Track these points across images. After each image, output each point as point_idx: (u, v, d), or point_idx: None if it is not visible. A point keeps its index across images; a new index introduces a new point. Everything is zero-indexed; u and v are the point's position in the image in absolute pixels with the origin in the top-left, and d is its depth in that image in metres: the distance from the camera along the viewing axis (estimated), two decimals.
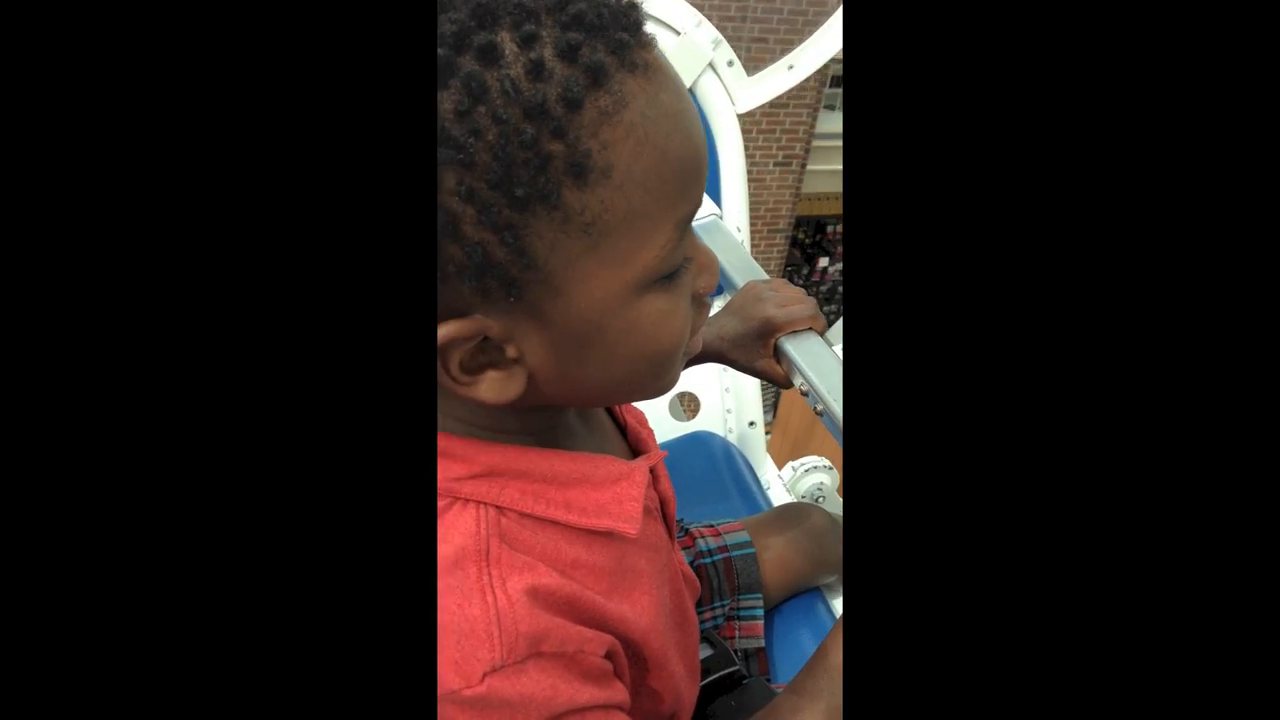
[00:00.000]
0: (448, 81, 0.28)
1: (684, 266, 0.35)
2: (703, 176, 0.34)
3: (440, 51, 0.27)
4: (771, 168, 4.38)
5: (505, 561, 0.35)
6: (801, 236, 5.55)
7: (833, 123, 4.39)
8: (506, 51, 0.28)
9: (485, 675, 0.33)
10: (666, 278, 0.33)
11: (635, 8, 0.31)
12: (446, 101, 0.28)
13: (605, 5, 0.30)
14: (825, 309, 5.81)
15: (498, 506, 0.36)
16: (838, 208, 5.28)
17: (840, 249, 5.60)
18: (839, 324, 0.60)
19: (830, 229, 5.52)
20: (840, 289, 5.80)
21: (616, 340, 0.34)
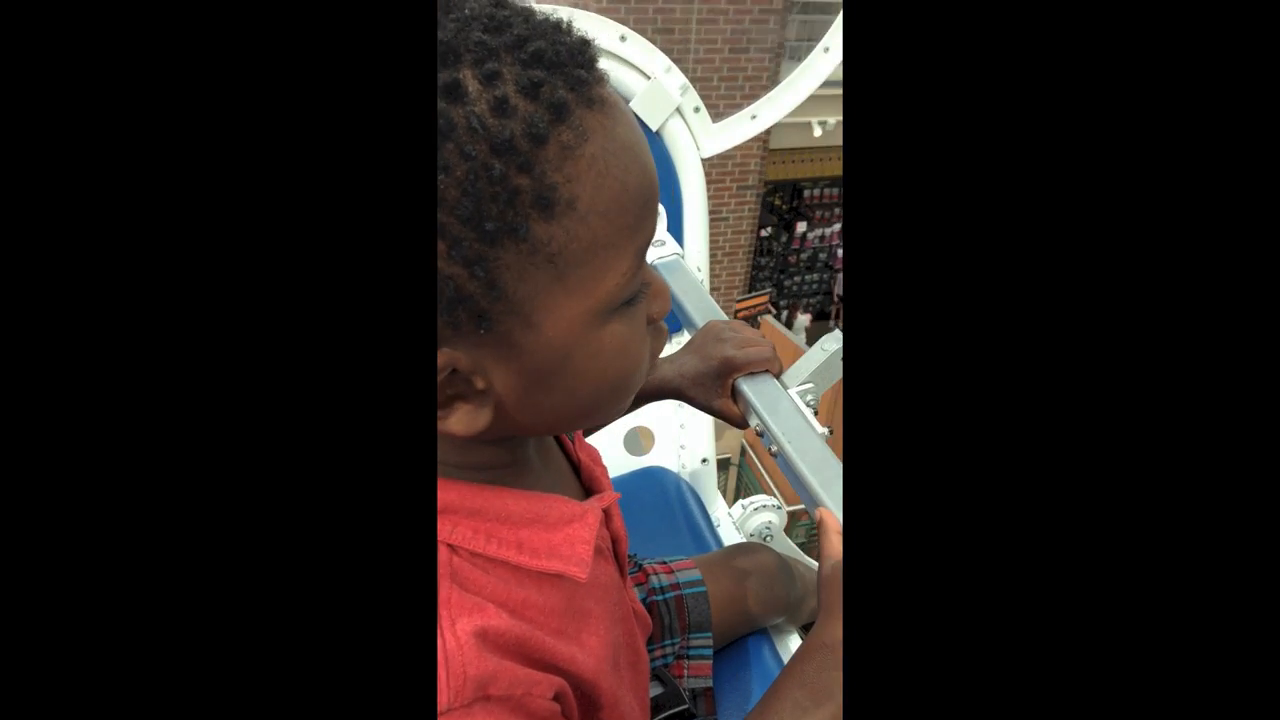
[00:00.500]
0: None
1: (641, 293, 0.36)
2: (656, 205, 0.35)
3: None
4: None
5: (455, 603, 0.35)
6: (778, 202, 5.38)
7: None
8: (470, 89, 0.29)
9: None
10: (626, 304, 0.35)
11: (589, 45, 0.32)
12: None
13: (562, 43, 0.31)
14: (806, 277, 5.55)
15: (450, 545, 0.36)
16: (811, 170, 5.12)
17: (818, 214, 5.41)
18: (794, 366, 0.62)
19: (807, 193, 5.38)
20: (820, 256, 5.56)
21: (582, 366, 0.35)
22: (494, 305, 0.31)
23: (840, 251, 5.51)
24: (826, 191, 5.42)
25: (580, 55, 0.31)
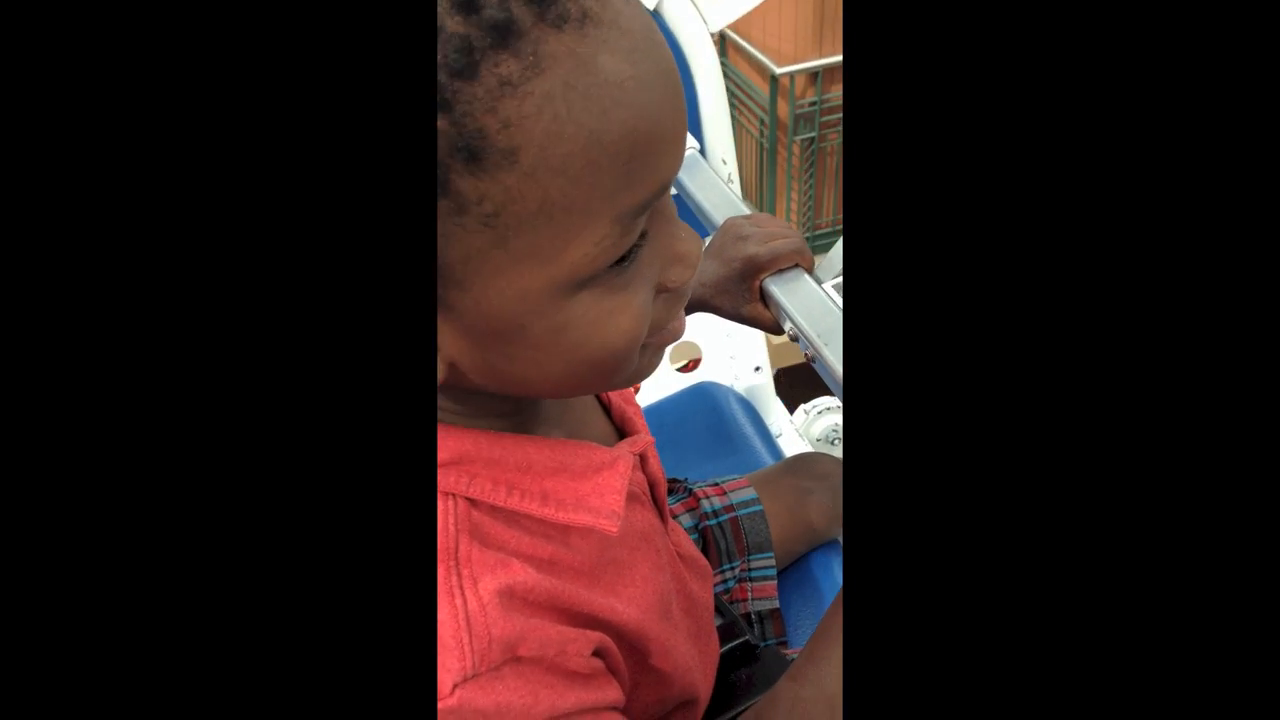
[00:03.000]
0: None
1: (634, 257, 0.29)
2: (666, 157, 0.28)
3: None
4: None
5: (476, 560, 0.32)
6: None
7: None
8: None
9: (456, 686, 0.29)
10: (614, 271, 0.29)
11: None
12: None
13: None
14: None
15: (469, 499, 0.33)
16: None
17: None
18: (827, 256, 0.55)
19: None
20: None
21: (545, 340, 0.29)
22: None
23: None
24: None
25: None
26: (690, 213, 0.66)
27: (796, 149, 1.54)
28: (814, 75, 1.47)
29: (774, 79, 1.44)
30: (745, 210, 0.61)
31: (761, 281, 0.53)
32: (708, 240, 0.60)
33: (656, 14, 0.74)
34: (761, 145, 1.59)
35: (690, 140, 0.73)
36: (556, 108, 0.24)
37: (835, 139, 1.55)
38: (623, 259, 0.29)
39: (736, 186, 0.82)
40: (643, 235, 0.29)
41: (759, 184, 1.64)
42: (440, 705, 0.29)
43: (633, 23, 0.26)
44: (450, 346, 0.30)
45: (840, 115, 1.55)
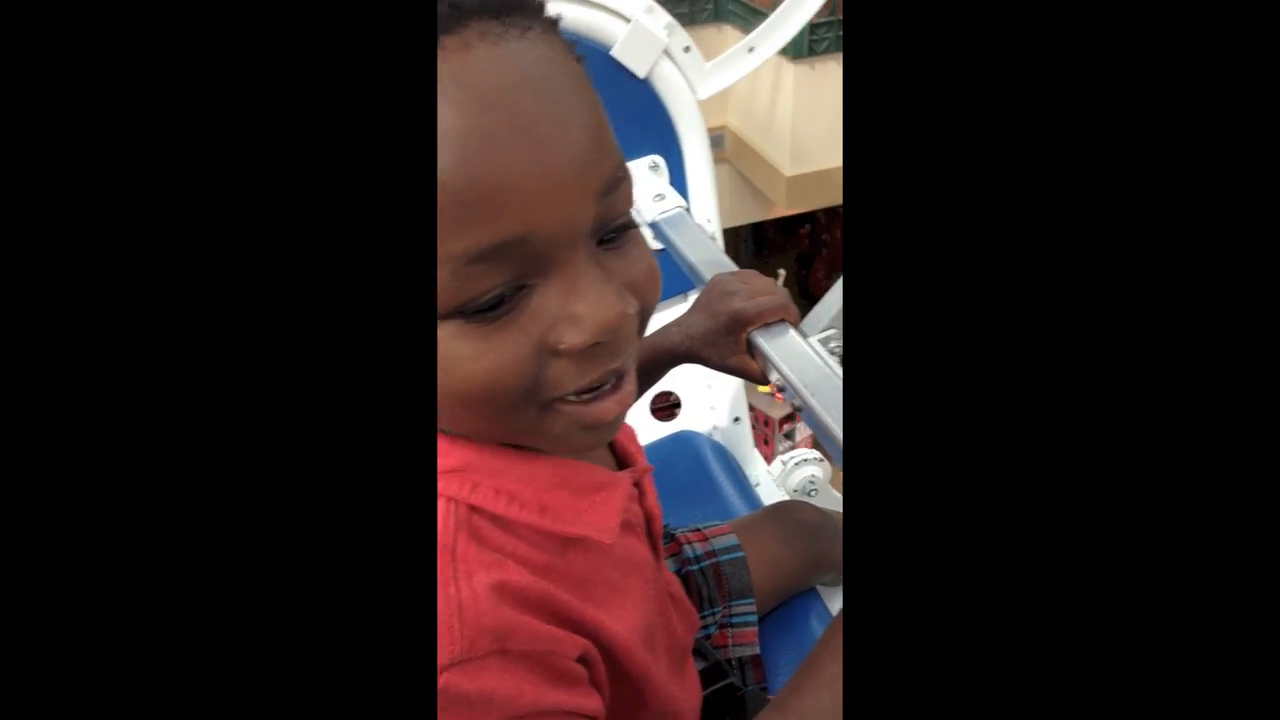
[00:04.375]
0: None
1: (510, 307, 0.30)
2: (514, 209, 0.28)
3: None
4: None
5: (473, 557, 0.33)
6: None
7: None
8: None
9: (443, 669, 0.31)
10: (475, 318, 0.30)
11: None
12: None
13: None
14: None
15: (471, 505, 0.35)
16: None
17: None
18: (812, 313, 0.58)
19: None
20: None
21: None
22: None
23: None
24: None
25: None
26: (678, 269, 0.69)
27: None
28: None
29: None
30: (732, 267, 0.64)
31: (748, 335, 0.56)
32: (693, 294, 0.63)
33: (647, 82, 0.79)
34: None
35: (677, 199, 0.77)
36: None
37: None
38: (492, 307, 0.30)
39: (720, 244, 0.86)
40: (522, 288, 0.30)
41: None
42: None
43: (488, 80, 0.28)
44: None
45: None
